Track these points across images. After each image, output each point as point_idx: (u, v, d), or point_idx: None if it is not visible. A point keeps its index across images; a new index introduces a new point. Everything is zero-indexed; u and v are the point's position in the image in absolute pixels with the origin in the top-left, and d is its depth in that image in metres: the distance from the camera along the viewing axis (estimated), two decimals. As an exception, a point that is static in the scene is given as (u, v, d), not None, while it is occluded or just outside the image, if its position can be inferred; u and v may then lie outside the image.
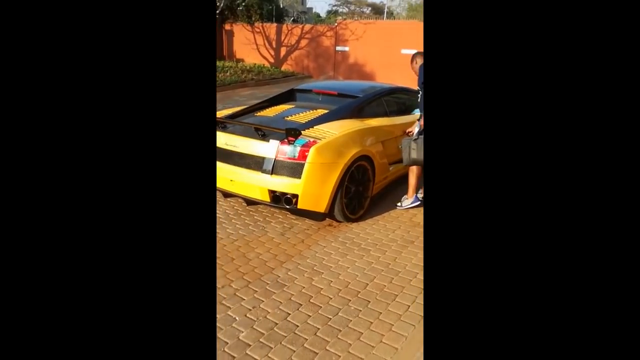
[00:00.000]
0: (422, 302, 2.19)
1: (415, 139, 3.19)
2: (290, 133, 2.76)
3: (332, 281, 2.38)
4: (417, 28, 11.62)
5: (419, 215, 3.33)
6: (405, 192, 3.47)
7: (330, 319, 2.05)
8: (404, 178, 3.81)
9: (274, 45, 14.39)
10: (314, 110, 3.44)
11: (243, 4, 14.30)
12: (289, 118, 3.32)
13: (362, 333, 1.95)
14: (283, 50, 14.34)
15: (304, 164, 2.77)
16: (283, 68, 13.97)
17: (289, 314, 2.08)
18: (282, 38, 14.21)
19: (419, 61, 3.34)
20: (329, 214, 3.01)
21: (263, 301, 2.17)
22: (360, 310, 2.12)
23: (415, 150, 3.18)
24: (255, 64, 13.51)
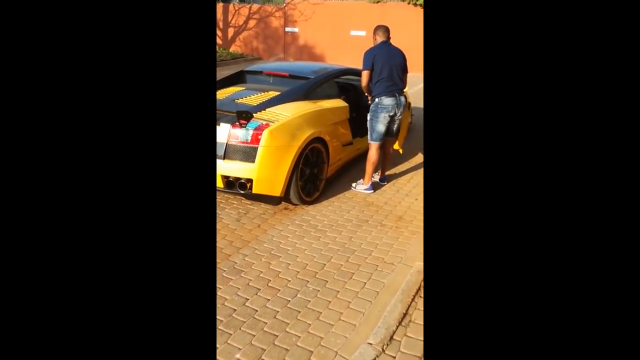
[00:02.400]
0: (379, 279, 2.25)
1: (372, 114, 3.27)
2: (242, 116, 2.69)
3: (289, 264, 2.39)
4: (366, 9, 11.65)
5: (372, 195, 3.41)
6: (361, 173, 3.53)
7: (289, 301, 2.06)
8: (359, 158, 3.87)
9: (221, 26, 13.87)
10: (266, 93, 3.37)
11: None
12: (240, 100, 3.23)
13: (321, 312, 1.98)
14: (231, 31, 13.87)
15: (257, 147, 2.72)
16: (231, 50, 13.54)
17: (247, 299, 2.06)
18: (230, 18, 13.71)
19: (378, 38, 3.27)
20: (285, 197, 3.00)
21: (220, 288, 2.14)
22: (319, 291, 2.15)
23: (380, 123, 3.24)
24: (201, 45, 12.95)
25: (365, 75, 3.19)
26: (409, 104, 5.12)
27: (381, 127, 3.28)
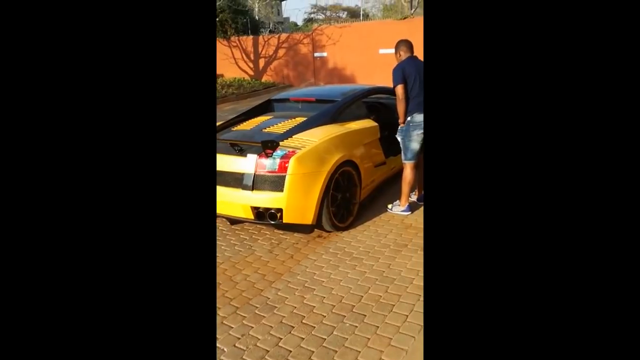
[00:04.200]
0: (421, 310, 2.06)
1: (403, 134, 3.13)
2: (267, 145, 2.64)
3: (324, 297, 2.25)
4: (392, 27, 11.62)
5: (410, 217, 3.22)
6: (397, 193, 3.36)
7: (325, 339, 1.92)
8: (394, 178, 3.71)
9: (252, 58, 14.32)
10: (293, 119, 3.32)
11: (217, 19, 14.23)
12: (267, 130, 3.20)
13: (360, 352, 1.82)
14: (262, 62, 14.27)
15: (285, 176, 2.64)
16: (263, 79, 13.90)
17: (281, 338, 1.94)
18: (260, 49, 14.14)
19: (403, 54, 3.14)
20: (317, 224, 2.88)
21: (252, 327, 2.03)
22: (356, 327, 1.99)
23: (413, 142, 3.10)
24: (235, 78, 13.42)
25: (400, 89, 3.02)
26: None
27: (415, 145, 3.12)
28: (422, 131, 3.07)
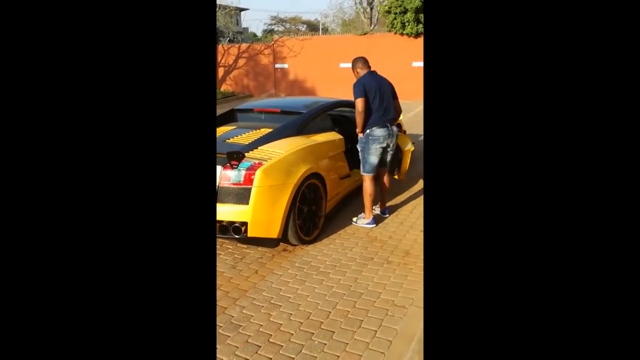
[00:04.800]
0: (390, 325, 2.05)
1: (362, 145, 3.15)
2: (233, 157, 2.56)
3: (291, 314, 2.18)
4: (353, 42, 11.87)
5: (375, 230, 3.23)
6: (361, 206, 3.37)
7: (294, 358, 1.85)
8: (358, 191, 3.72)
9: (212, 66, 14.04)
10: (257, 130, 3.25)
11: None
12: (231, 140, 3.10)
13: (330, 370, 1.77)
14: (221, 71, 14.05)
15: (250, 188, 2.56)
16: (222, 89, 13.67)
17: (247, 359, 1.85)
18: (219, 58, 13.92)
19: (360, 71, 3.15)
20: (283, 238, 2.82)
21: (217, 348, 1.93)
22: (325, 344, 1.94)
23: (372, 155, 3.12)
24: (193, 86, 13.07)
25: (360, 102, 2.99)
26: (404, 131, 5.04)
27: (374, 159, 3.15)
28: (380, 145, 3.10)
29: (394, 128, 3.18)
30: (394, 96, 3.21)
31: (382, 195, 3.49)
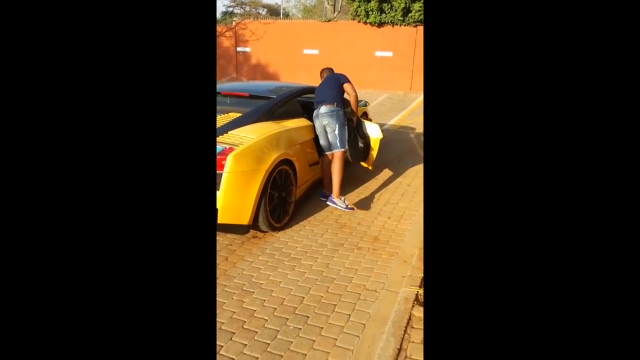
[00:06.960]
0: (363, 309, 2.10)
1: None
2: (203, 140, 2.47)
3: (265, 300, 2.17)
4: (316, 28, 11.77)
5: (344, 216, 3.27)
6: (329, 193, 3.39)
7: (269, 344, 1.85)
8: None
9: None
10: (226, 114, 3.16)
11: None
12: (198, 124, 3.00)
13: (306, 355, 1.79)
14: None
15: (221, 173, 2.50)
16: (181, 70, 13.12)
17: (222, 346, 1.82)
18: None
19: (325, 74, 3.56)
20: (253, 225, 2.78)
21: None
22: (300, 329, 1.95)
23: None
24: (149, 66, 12.47)
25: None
26: (370, 119, 5.09)
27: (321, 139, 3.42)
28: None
29: (322, 108, 3.34)
30: (337, 84, 3.43)
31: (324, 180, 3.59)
